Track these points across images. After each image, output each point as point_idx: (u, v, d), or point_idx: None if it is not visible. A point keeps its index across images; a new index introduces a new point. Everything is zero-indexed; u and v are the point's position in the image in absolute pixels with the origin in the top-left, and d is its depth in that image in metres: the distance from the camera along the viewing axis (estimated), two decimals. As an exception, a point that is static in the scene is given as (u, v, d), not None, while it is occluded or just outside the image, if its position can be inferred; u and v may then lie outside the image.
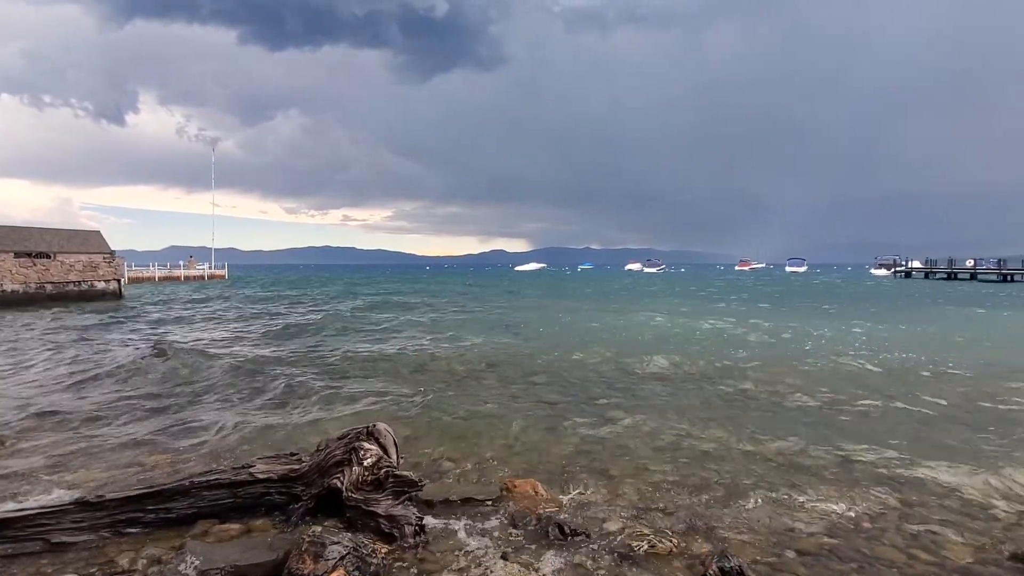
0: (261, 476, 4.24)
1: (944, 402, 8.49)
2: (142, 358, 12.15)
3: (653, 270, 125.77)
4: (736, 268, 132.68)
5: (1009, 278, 56.49)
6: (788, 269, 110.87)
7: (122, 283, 37.59)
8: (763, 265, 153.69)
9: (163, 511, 4.17)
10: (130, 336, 16.69)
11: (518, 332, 17.65)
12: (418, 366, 11.76)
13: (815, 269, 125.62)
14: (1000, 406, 8.24)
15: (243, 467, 4.33)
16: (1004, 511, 4.70)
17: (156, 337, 15.96)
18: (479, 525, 4.40)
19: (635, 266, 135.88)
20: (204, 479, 4.21)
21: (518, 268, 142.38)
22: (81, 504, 4.07)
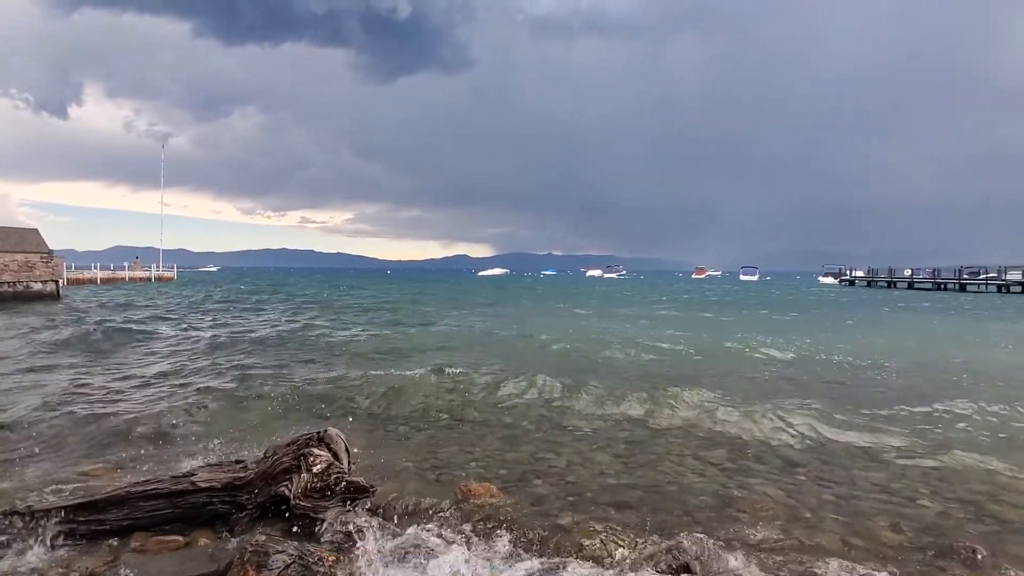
0: (203, 485, 4.07)
1: (872, 397, 8.95)
2: None
3: (613, 276, 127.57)
4: (693, 276, 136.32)
5: (943, 287, 60.13)
6: (742, 277, 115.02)
7: (60, 284, 35.60)
8: (719, 273, 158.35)
9: (96, 523, 3.96)
10: None
11: (477, 340, 17.60)
12: (376, 375, 11.56)
13: (766, 277, 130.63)
14: (925, 404, 8.73)
15: (184, 476, 4.15)
16: (929, 502, 5.00)
17: None
18: (433, 530, 4.36)
19: (595, 272, 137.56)
20: (141, 489, 4.02)
21: (481, 273, 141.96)
22: (8, 515, 3.82)
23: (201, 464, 4.55)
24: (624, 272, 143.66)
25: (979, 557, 3.97)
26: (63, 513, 3.92)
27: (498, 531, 4.27)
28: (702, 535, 4.33)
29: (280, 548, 3.32)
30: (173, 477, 4.19)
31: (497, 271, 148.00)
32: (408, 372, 11.36)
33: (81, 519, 3.94)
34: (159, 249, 71.47)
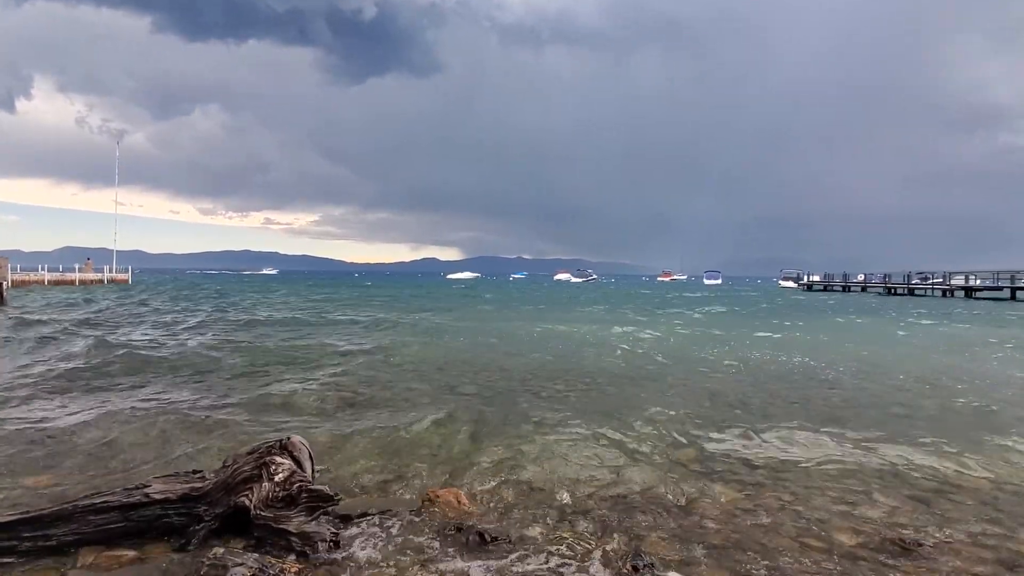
0: (157, 497, 3.92)
1: (829, 396, 9.30)
2: None
3: (580, 280, 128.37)
4: (658, 279, 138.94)
5: (892, 291, 62.97)
6: (706, 281, 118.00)
7: (4, 287, 33.76)
8: (684, 277, 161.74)
9: (41, 539, 3.76)
10: None
11: (450, 342, 17.50)
12: (342, 372, 11.36)
13: (729, 282, 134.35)
14: (876, 398, 9.12)
15: (136, 487, 3.98)
16: (882, 499, 5.20)
17: None
18: (398, 537, 4.31)
19: (564, 276, 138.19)
20: (90, 502, 3.84)
21: (451, 276, 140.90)
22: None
23: (156, 475, 4.37)
24: (594, 276, 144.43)
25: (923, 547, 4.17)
26: (3, 529, 3.71)
27: (463, 535, 4.26)
28: (665, 536, 4.43)
29: (239, 561, 3.23)
30: (125, 489, 4.01)
31: (467, 275, 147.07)
32: (377, 374, 11.22)
33: (24, 535, 3.73)
34: (112, 250, 68.66)
